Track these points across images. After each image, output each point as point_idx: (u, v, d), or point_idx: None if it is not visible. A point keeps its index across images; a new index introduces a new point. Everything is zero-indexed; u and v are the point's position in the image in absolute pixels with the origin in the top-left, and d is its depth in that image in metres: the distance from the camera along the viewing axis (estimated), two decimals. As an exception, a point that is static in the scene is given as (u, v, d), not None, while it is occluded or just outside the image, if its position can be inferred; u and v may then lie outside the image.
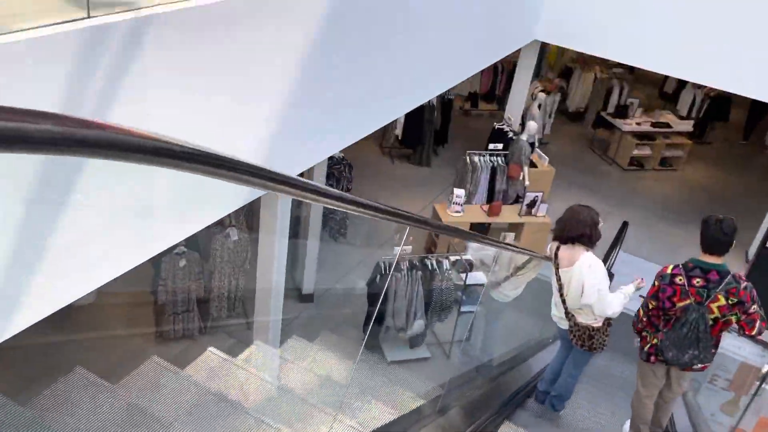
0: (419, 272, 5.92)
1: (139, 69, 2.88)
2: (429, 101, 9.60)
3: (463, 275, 6.11)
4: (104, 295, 6.63)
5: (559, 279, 4.09)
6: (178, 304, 5.89)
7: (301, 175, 6.60)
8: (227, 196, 3.80)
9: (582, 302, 3.99)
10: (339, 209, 4.12)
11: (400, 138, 9.85)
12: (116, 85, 2.82)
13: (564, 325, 4.30)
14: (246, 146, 3.78)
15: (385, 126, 10.13)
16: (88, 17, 2.67)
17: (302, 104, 4.16)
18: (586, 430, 5.00)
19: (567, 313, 4.14)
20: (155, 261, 5.92)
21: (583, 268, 3.91)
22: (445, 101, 10.12)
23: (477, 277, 6.28)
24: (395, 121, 9.61)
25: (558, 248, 4.06)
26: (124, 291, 6.67)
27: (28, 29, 2.46)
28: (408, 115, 9.56)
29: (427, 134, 9.92)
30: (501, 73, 11.83)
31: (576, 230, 3.87)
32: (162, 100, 3.07)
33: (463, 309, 6.27)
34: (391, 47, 4.99)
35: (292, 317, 6.74)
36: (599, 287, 3.92)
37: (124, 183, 3.01)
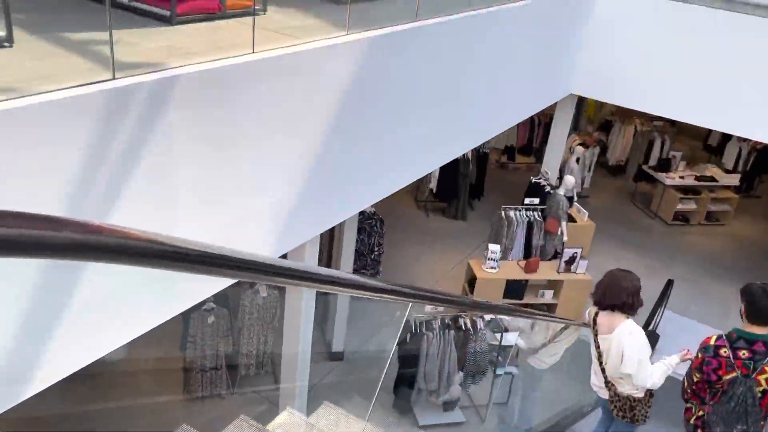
0: (452, 332, 5.71)
1: (163, 128, 2.87)
2: (464, 154, 9.53)
3: (498, 335, 5.86)
4: (135, 349, 6.60)
5: (597, 346, 3.89)
6: (206, 361, 5.79)
7: (332, 232, 6.55)
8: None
9: (621, 371, 3.77)
10: (356, 293, 3.97)
11: (434, 191, 9.76)
12: (140, 143, 2.80)
13: (604, 394, 4.04)
14: (274, 200, 3.72)
15: (419, 179, 10.09)
16: (113, 78, 2.67)
17: (333, 158, 4.11)
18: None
19: (607, 382, 3.91)
20: (185, 317, 5.87)
21: (623, 335, 3.71)
22: (480, 154, 10.03)
23: (513, 338, 6.02)
24: (430, 174, 9.55)
25: (597, 313, 3.86)
26: (154, 345, 6.63)
27: (52, 91, 2.46)
28: (443, 169, 9.48)
29: (462, 188, 9.81)
30: (538, 126, 11.73)
31: (617, 299, 3.70)
32: (186, 158, 3.04)
33: (498, 371, 5.99)
34: (425, 101, 4.94)
35: (321, 377, 6.56)
36: (639, 357, 3.72)
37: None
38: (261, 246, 3.77)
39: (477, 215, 10.19)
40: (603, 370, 3.89)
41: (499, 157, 12.24)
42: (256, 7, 4.28)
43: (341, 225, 6.09)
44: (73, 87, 2.50)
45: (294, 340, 4.89)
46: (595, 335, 3.88)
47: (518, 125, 11.47)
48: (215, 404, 6.01)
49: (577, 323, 4.40)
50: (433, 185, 9.67)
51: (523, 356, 6.35)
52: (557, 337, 4.83)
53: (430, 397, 5.89)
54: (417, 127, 4.98)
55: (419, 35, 4.58)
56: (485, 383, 6.16)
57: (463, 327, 5.80)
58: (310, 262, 4.57)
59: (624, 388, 3.88)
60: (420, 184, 10.14)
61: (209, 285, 3.60)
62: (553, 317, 5.13)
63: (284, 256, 4.86)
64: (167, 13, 3.77)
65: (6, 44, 2.97)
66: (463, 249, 9.10)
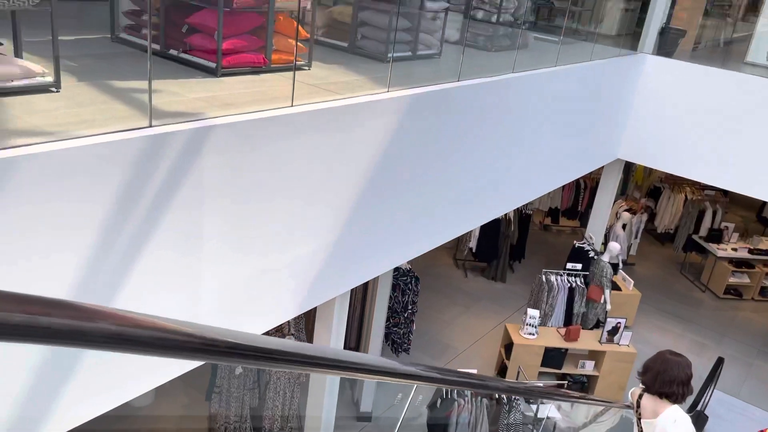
0: (484, 399, 5.45)
1: (195, 177, 2.86)
2: (505, 214, 9.39)
3: (534, 407, 5.58)
4: (161, 396, 6.54)
5: (641, 430, 3.65)
6: (231, 414, 5.66)
7: (365, 287, 6.44)
8: (282, 304, 3.66)
9: None
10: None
11: (474, 251, 9.59)
12: (171, 191, 2.80)
13: (647, 479, 3.74)
14: (304, 253, 3.66)
15: (459, 237, 9.96)
16: (149, 126, 2.70)
17: (368, 213, 4.05)
18: None
19: None
20: (213, 366, 5.79)
21: (668, 423, 3.50)
22: (522, 215, 9.86)
23: (550, 410, 5.72)
24: (469, 232, 9.41)
25: (641, 395, 3.63)
26: (181, 392, 6.56)
27: (88, 136, 2.48)
28: (483, 228, 9.34)
29: (502, 248, 9.62)
30: (583, 190, 11.51)
31: (666, 387, 3.50)
32: (216, 207, 3.02)
33: (533, 445, 5.67)
34: (465, 159, 4.88)
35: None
36: None
37: (173, 296, 2.93)
38: (289, 299, 3.70)
39: (517, 278, 9.94)
40: (646, 455, 3.64)
41: (542, 219, 12.02)
42: (301, 63, 4.35)
43: (375, 281, 5.99)
44: (109, 133, 2.53)
45: (319, 399, 4.74)
46: (639, 418, 3.67)
47: (563, 187, 11.29)
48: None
49: (620, 405, 4.12)
50: (472, 244, 9.51)
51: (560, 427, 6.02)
52: (599, 417, 4.53)
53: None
54: (456, 186, 4.91)
55: (461, 94, 4.56)
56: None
57: (497, 395, 5.54)
58: (339, 318, 4.47)
59: (667, 475, 3.59)
60: (459, 242, 9.99)
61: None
62: (595, 400, 4.84)
63: (313, 310, 4.78)
64: (213, 65, 3.85)
65: (54, 89, 3.06)
66: (502, 312, 8.84)
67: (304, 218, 3.57)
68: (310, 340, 5.77)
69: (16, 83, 2.92)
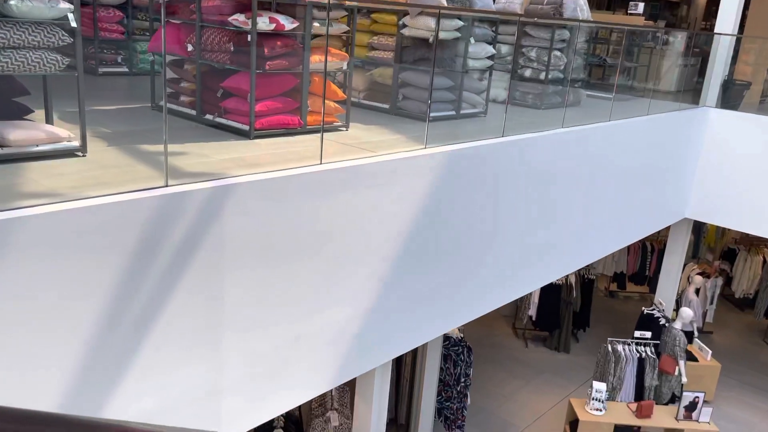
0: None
1: (215, 238, 2.71)
2: (566, 279, 8.89)
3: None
4: None
5: None
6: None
7: (414, 358, 6.09)
8: (313, 376, 3.39)
9: None
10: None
11: (534, 318, 9.06)
12: (189, 251, 2.65)
13: None
14: (336, 320, 3.42)
15: (517, 305, 9.47)
16: (165, 186, 2.58)
17: (407, 278, 3.80)
18: None
19: None
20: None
21: None
22: (585, 280, 9.32)
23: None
24: (528, 299, 8.93)
25: None
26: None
27: (99, 196, 2.38)
28: (543, 294, 8.85)
29: (564, 316, 9.06)
30: (651, 253, 10.86)
31: None
32: (237, 270, 2.84)
33: None
34: (513, 219, 4.59)
35: None
36: None
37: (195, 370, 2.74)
38: (322, 370, 3.44)
39: (582, 348, 9.30)
40: None
41: (607, 285, 11.38)
42: (338, 124, 4.26)
43: (423, 351, 5.65)
44: (121, 193, 2.43)
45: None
46: None
47: (628, 250, 10.69)
48: None
49: None
50: (532, 312, 9.00)
51: None
52: None
53: None
54: (504, 247, 4.60)
55: (504, 150, 4.33)
56: None
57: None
58: (380, 391, 4.15)
59: None
60: (518, 310, 9.50)
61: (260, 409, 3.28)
62: None
63: (352, 382, 4.48)
64: (246, 127, 3.79)
65: (79, 153, 3.03)
66: (566, 386, 8.21)
67: (335, 281, 3.34)
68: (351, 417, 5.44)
69: (41, 148, 2.91)
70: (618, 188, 5.93)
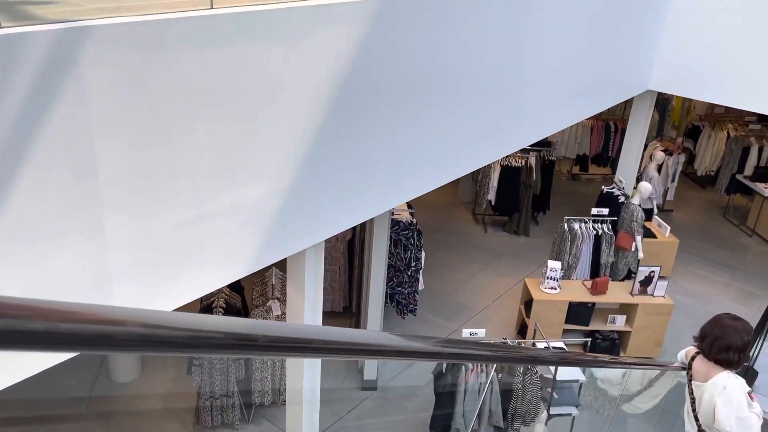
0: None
1: (74, 98, 2.22)
2: (526, 162, 8.58)
3: (552, 368, 4.90)
4: (148, 370, 6.07)
5: (691, 392, 3.39)
6: (216, 388, 5.14)
7: (362, 243, 5.76)
8: (225, 261, 3.03)
9: (717, 428, 3.28)
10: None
11: (493, 204, 8.82)
12: (42, 118, 2.16)
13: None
14: (251, 196, 3.02)
15: (476, 190, 9.20)
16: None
17: (336, 151, 3.38)
18: None
19: (700, 429, 3.42)
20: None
21: (716, 390, 3.23)
22: (545, 162, 9.01)
23: (571, 372, 5.04)
24: (486, 183, 8.64)
25: (694, 357, 3.39)
26: (171, 367, 6.08)
27: None
28: (502, 178, 8.57)
29: (524, 200, 8.83)
30: (614, 133, 10.55)
31: (722, 354, 3.25)
32: (114, 144, 2.38)
33: (554, 411, 5.01)
34: (461, 84, 4.12)
35: (351, 408, 5.78)
36: (738, 414, 3.18)
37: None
38: (236, 254, 3.07)
39: (542, 231, 9.16)
40: (696, 418, 3.40)
41: (570, 168, 11.16)
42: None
43: (371, 236, 5.34)
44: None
45: (298, 369, 4.15)
46: (690, 379, 3.41)
47: (591, 131, 10.37)
48: (228, 436, 5.35)
49: (672, 367, 3.66)
50: (491, 197, 8.73)
51: (587, 392, 5.35)
52: (654, 382, 4.06)
53: (471, 439, 4.99)
54: (450, 118, 4.16)
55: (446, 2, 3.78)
56: (538, 424, 5.18)
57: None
58: (313, 277, 3.83)
59: (719, 438, 3.24)
60: (477, 195, 9.24)
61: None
62: (646, 364, 4.38)
63: (282, 264, 4.15)
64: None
65: None
66: (524, 268, 8.12)
67: (241, 153, 2.90)
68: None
69: None
70: (576, 55, 5.45)
